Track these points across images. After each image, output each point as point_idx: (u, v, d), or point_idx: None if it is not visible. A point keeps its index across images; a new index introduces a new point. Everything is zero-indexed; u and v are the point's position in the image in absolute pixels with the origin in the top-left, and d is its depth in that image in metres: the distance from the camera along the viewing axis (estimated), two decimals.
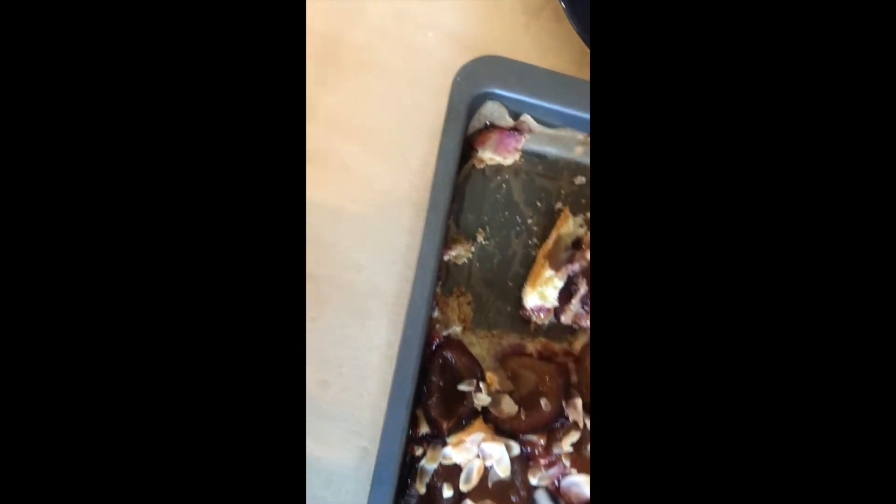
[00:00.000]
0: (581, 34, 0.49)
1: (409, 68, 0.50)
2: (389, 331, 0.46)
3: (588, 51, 0.49)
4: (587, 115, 0.45)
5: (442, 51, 0.51)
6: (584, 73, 0.51)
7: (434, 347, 0.43)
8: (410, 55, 0.50)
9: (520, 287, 0.47)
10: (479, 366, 0.43)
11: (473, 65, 0.44)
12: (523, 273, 0.47)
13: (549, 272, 0.44)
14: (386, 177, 0.48)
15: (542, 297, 0.44)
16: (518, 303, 0.46)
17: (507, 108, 0.46)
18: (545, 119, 0.47)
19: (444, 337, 0.44)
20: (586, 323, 0.45)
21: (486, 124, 0.47)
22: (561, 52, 0.52)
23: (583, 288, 0.44)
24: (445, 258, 0.45)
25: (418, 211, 0.47)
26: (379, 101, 0.49)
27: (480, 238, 0.47)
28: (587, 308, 0.44)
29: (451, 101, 0.43)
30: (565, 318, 0.45)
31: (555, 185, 0.49)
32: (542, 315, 0.45)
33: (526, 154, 0.48)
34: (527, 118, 0.46)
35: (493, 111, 0.46)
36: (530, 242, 0.48)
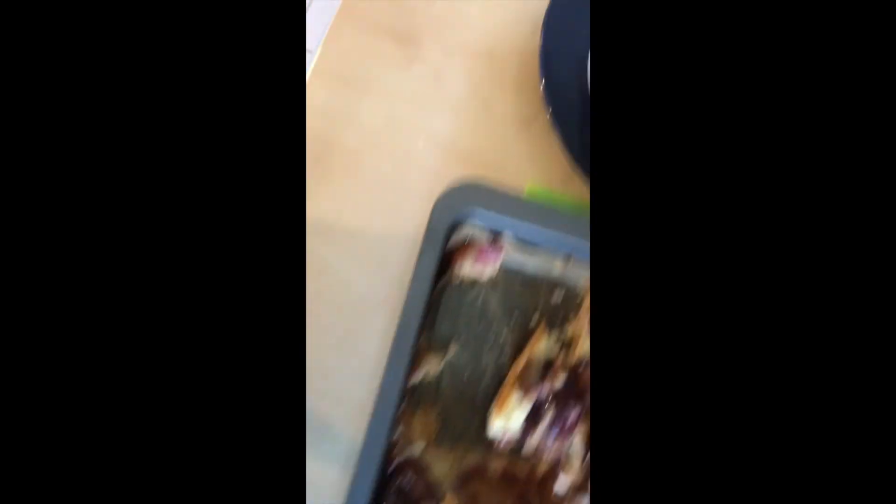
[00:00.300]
0: (565, 148, 0.50)
1: (397, 174, 0.51)
2: (351, 443, 0.46)
3: (572, 165, 0.50)
4: (566, 240, 0.45)
5: (432, 157, 0.52)
6: (571, 187, 0.52)
7: (391, 470, 0.43)
8: (400, 161, 0.51)
9: (489, 402, 0.46)
10: (437, 492, 0.43)
11: (453, 192, 0.44)
12: (494, 388, 0.47)
13: (516, 397, 0.43)
14: (363, 282, 0.49)
15: (508, 422, 0.44)
16: (485, 419, 0.46)
17: (486, 230, 0.47)
18: (524, 241, 0.47)
19: (403, 459, 0.43)
20: (550, 453, 0.44)
21: (465, 240, 0.47)
22: (550, 163, 0.52)
23: (550, 415, 0.43)
24: (411, 383, 0.45)
25: (392, 318, 0.47)
26: (363, 206, 0.50)
27: (453, 350, 0.47)
28: (552, 437, 0.44)
29: (430, 226, 0.43)
30: (529, 445, 0.44)
31: (532, 300, 0.48)
32: (505, 441, 0.44)
33: (505, 267, 0.48)
34: (506, 237, 0.46)
35: (473, 231, 0.46)
36: (503, 357, 0.47)
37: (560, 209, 0.45)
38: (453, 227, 0.45)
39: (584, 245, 0.45)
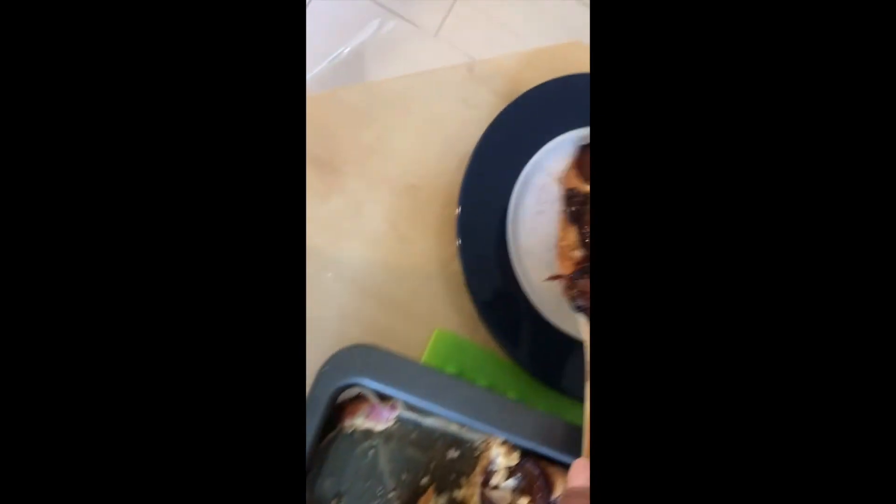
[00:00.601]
0: (468, 284, 0.49)
1: None
2: None
3: (473, 304, 0.49)
4: (458, 416, 0.44)
5: (341, 293, 0.50)
6: (478, 334, 0.50)
7: None
8: (306, 294, 0.50)
9: None
10: None
11: (342, 354, 0.43)
12: None
13: None
14: None
15: None
16: None
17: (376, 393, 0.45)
18: (416, 407, 0.45)
19: None
20: None
21: (357, 395, 0.45)
22: (462, 308, 0.51)
23: None
24: None
25: None
26: None
27: None
28: None
29: (312, 394, 0.42)
30: None
31: (426, 455, 0.46)
32: None
33: (401, 420, 0.46)
34: (398, 400, 0.45)
35: (363, 390, 0.45)
36: None
37: (452, 383, 0.43)
38: (341, 390, 0.44)
39: (475, 423, 0.44)
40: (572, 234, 0.50)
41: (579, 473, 0.37)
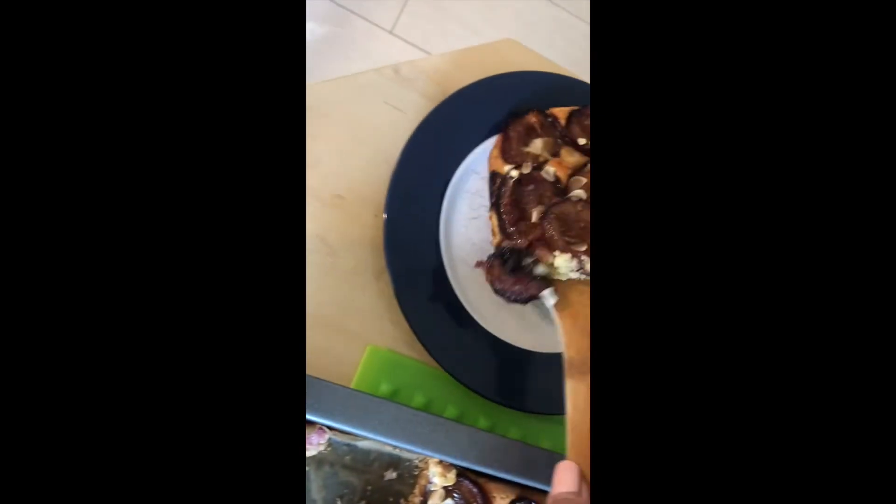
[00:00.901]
0: (402, 309, 0.47)
1: None
2: None
3: (409, 326, 0.47)
4: (387, 439, 0.42)
5: None
6: (414, 349, 0.48)
7: None
8: None
9: None
10: None
11: None
12: None
13: None
14: None
15: None
16: None
17: None
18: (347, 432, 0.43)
19: None
20: None
21: None
22: (396, 322, 0.49)
23: None
24: None
25: None
26: None
27: None
28: None
29: None
30: None
31: (361, 479, 0.44)
32: None
33: (334, 444, 0.44)
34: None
35: None
36: None
37: (379, 405, 0.41)
38: None
39: (405, 445, 0.42)
40: (493, 220, 0.48)
41: (565, 475, 0.35)
